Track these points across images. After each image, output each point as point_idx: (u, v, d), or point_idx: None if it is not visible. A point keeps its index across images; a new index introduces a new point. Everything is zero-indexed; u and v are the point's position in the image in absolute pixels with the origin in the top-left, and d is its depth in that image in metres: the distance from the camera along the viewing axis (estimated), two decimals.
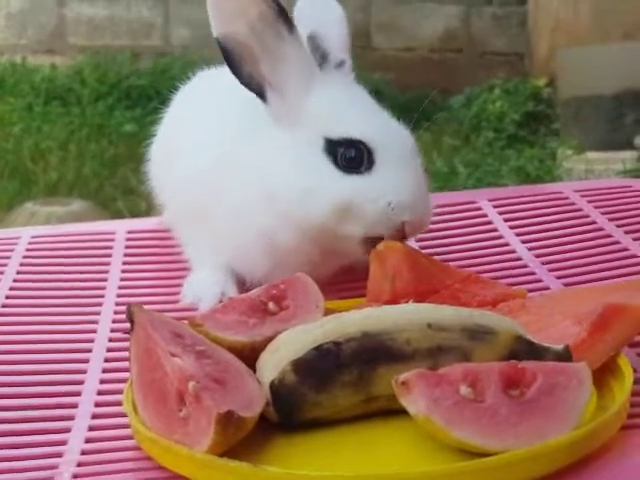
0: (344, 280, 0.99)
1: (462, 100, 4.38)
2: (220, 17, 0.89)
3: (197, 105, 1.07)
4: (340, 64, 0.96)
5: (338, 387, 0.68)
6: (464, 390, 0.63)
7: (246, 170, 0.93)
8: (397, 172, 0.89)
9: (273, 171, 0.91)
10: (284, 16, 0.89)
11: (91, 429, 0.75)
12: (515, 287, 0.90)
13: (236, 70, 0.90)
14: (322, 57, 0.95)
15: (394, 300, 0.84)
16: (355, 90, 0.96)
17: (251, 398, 0.67)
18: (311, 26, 0.97)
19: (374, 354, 0.68)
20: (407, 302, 0.83)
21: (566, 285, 0.97)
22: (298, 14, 1.00)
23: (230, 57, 0.90)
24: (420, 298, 0.84)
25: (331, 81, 0.93)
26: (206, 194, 0.97)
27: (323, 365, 0.68)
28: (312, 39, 0.96)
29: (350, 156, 0.89)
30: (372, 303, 0.85)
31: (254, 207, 0.92)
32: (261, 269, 0.94)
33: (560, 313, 0.78)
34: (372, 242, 0.89)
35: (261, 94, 0.91)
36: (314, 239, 0.90)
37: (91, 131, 3.99)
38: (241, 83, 0.91)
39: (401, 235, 0.89)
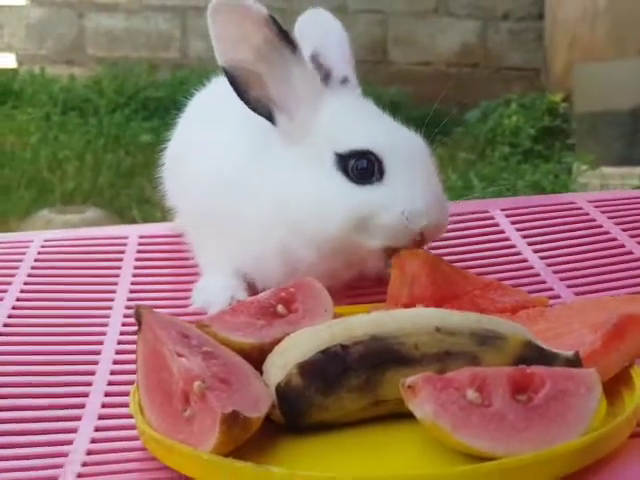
0: (354, 286, 0.98)
1: (478, 114, 4.38)
2: (224, 45, 0.89)
3: (212, 113, 1.08)
4: (344, 80, 0.96)
5: (345, 390, 0.68)
6: (471, 395, 0.62)
7: (260, 187, 0.93)
8: (408, 179, 0.89)
9: (287, 191, 0.91)
10: (287, 38, 0.89)
11: (97, 429, 0.75)
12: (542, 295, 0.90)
13: (243, 95, 0.91)
14: (326, 75, 0.95)
15: (412, 304, 0.84)
16: (361, 103, 0.96)
17: (257, 399, 0.66)
18: (312, 45, 0.97)
19: (382, 358, 0.68)
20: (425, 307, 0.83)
21: (577, 294, 0.97)
22: (299, 33, 1.00)
23: (237, 83, 0.90)
24: (438, 303, 0.84)
25: (337, 97, 0.93)
26: (222, 203, 0.96)
27: (330, 368, 0.67)
28: (314, 58, 0.96)
29: (362, 167, 0.89)
30: (391, 307, 0.85)
31: (271, 223, 0.92)
32: (277, 278, 0.94)
33: (578, 322, 0.78)
34: (392, 252, 0.89)
35: (269, 117, 0.92)
36: (333, 253, 0.90)
37: (108, 141, 4.01)
38: (249, 108, 0.91)
39: (420, 242, 0.89)
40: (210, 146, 1.02)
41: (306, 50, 0.96)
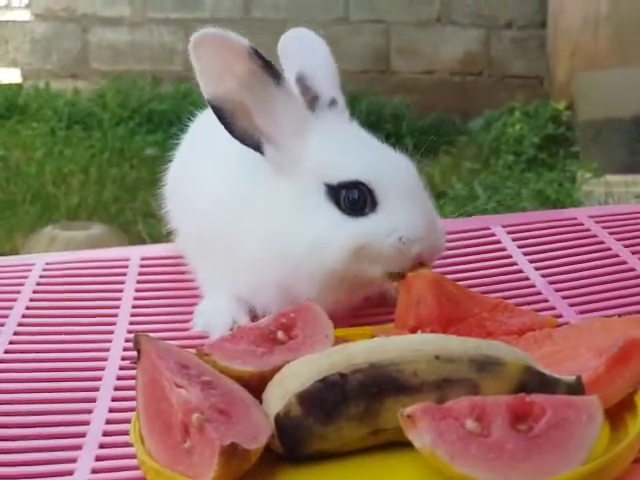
0: (358, 307, 0.98)
1: (481, 123, 4.37)
2: (209, 78, 0.89)
3: (211, 135, 1.07)
4: (332, 103, 0.95)
5: (344, 419, 0.67)
6: (470, 424, 0.62)
7: (255, 218, 0.93)
8: (402, 207, 0.89)
9: (280, 226, 0.90)
10: (271, 69, 0.89)
11: (98, 459, 0.74)
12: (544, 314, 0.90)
13: (229, 127, 0.90)
14: (313, 99, 0.94)
15: (418, 327, 0.84)
16: (350, 129, 0.96)
17: (256, 430, 0.66)
18: (298, 66, 0.97)
19: (381, 386, 0.68)
20: (431, 330, 0.83)
21: (580, 313, 0.96)
22: (282, 54, 1.00)
23: (223, 115, 0.90)
24: (445, 326, 0.84)
25: (325, 124, 0.93)
26: (220, 231, 0.96)
27: (329, 397, 0.67)
28: (300, 80, 0.96)
29: (353, 198, 0.89)
30: (400, 330, 0.86)
31: (266, 256, 0.91)
32: (276, 307, 0.93)
33: (584, 345, 0.77)
34: (395, 276, 0.89)
35: (257, 147, 0.92)
36: (334, 286, 0.89)
37: (112, 155, 4.02)
38: (236, 139, 0.91)
39: (420, 265, 0.89)
40: (208, 169, 1.02)
41: (291, 71, 0.96)
